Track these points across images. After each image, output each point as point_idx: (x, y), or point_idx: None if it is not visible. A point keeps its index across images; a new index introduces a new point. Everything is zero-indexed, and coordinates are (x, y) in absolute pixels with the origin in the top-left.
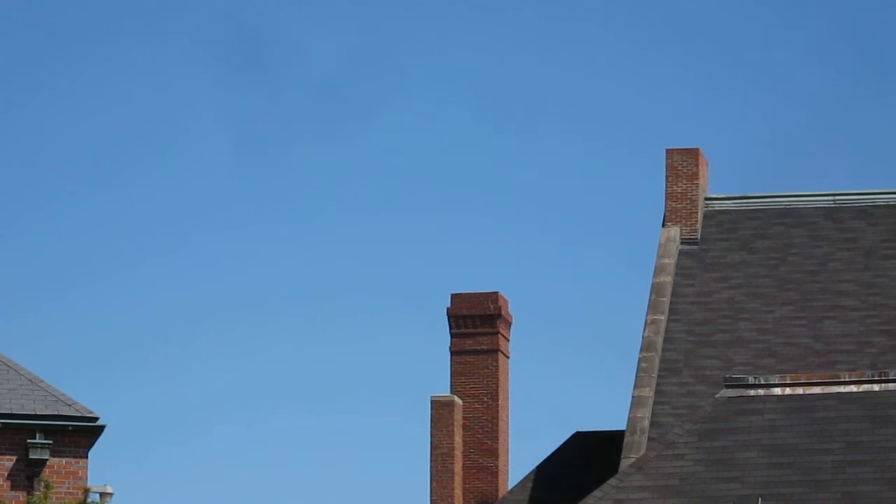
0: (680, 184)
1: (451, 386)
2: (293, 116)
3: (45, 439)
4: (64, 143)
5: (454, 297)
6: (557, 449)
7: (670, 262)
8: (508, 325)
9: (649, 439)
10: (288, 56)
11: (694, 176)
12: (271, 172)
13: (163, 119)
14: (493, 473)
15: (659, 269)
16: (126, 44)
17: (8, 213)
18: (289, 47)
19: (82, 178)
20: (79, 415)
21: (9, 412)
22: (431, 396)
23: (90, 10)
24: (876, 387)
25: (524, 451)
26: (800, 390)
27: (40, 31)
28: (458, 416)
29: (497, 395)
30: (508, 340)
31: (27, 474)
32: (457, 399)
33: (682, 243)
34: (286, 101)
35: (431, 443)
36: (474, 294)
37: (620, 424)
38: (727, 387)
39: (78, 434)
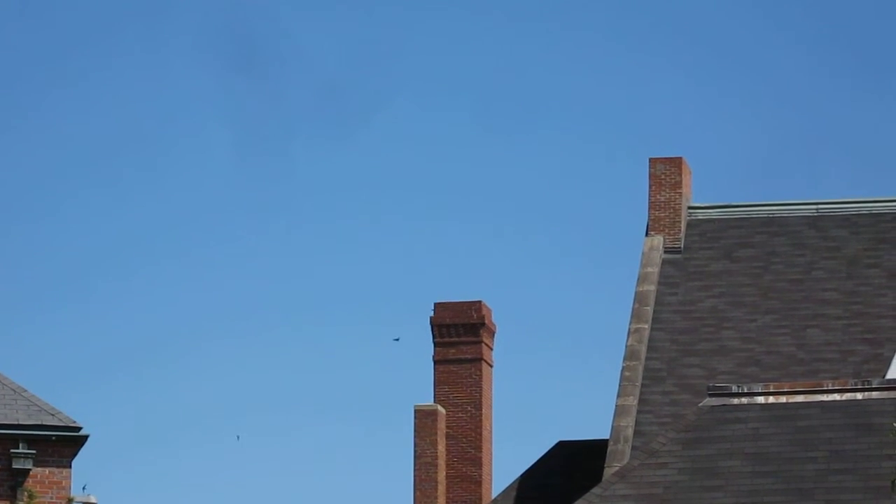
0: (663, 193)
1: (435, 395)
2: (293, 118)
3: (29, 449)
4: (61, 146)
5: (437, 305)
6: (541, 458)
7: (653, 270)
8: (492, 334)
9: (633, 448)
10: (289, 57)
11: (677, 185)
12: (270, 175)
13: (163, 121)
14: (477, 482)
15: (642, 278)
16: (127, 45)
17: None
18: (289, 49)
19: (77, 182)
20: (62, 424)
21: None
22: (414, 405)
23: (90, 12)
24: (859, 395)
25: (508, 461)
26: (783, 399)
27: (40, 33)
28: (442, 425)
29: (480, 404)
30: (492, 349)
31: (10, 484)
32: (440, 408)
33: (665, 252)
34: (287, 103)
35: (415, 452)
36: (457, 303)
37: (604, 433)
38: (711, 395)
39: (61, 444)
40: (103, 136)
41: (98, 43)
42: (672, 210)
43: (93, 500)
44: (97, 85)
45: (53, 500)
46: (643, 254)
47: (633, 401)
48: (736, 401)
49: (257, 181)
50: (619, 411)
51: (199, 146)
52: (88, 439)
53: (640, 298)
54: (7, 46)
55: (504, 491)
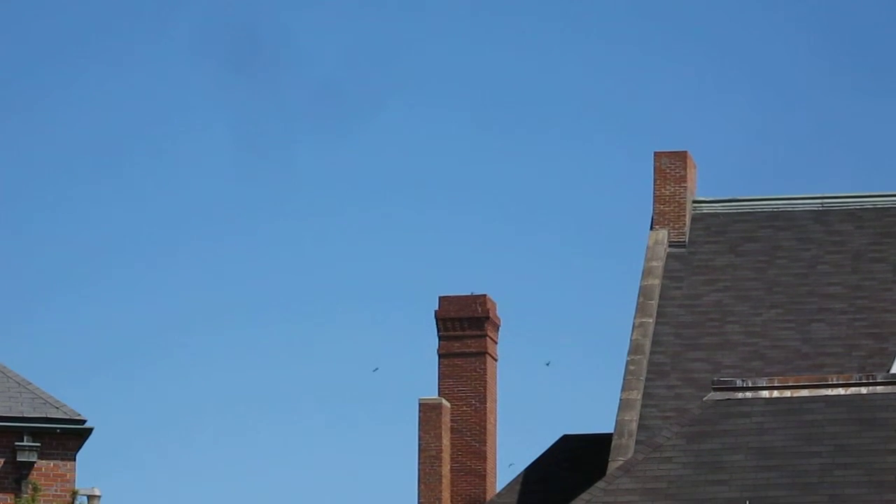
0: (668, 186)
1: (439, 388)
2: (293, 117)
3: (33, 442)
4: (61, 143)
5: (442, 299)
6: (545, 452)
7: (658, 264)
8: (496, 327)
9: (637, 442)
10: (288, 56)
11: (682, 179)
12: (271, 173)
13: (163, 119)
14: (481, 476)
15: (647, 272)
16: (126, 44)
17: (1, 213)
18: (289, 48)
19: (78, 178)
20: (67, 417)
21: None
22: (419, 399)
23: (90, 10)
24: (863, 389)
25: (512, 454)
26: (788, 393)
27: (40, 31)
28: (446, 418)
29: (485, 397)
30: (496, 343)
31: (15, 477)
32: (444, 402)
33: (670, 246)
34: (286, 102)
35: (419, 445)
36: (462, 297)
37: (608, 427)
38: (715, 389)
39: (66, 436)
40: (104, 134)
41: (98, 42)
42: (677, 204)
43: (97, 493)
44: (97, 83)
45: (58, 493)
46: (648, 248)
47: (637, 395)
48: (740, 395)
49: (257, 179)
50: (624, 405)
51: (199, 145)
52: (93, 432)
53: (644, 292)
54: (6, 45)
55: (508, 484)
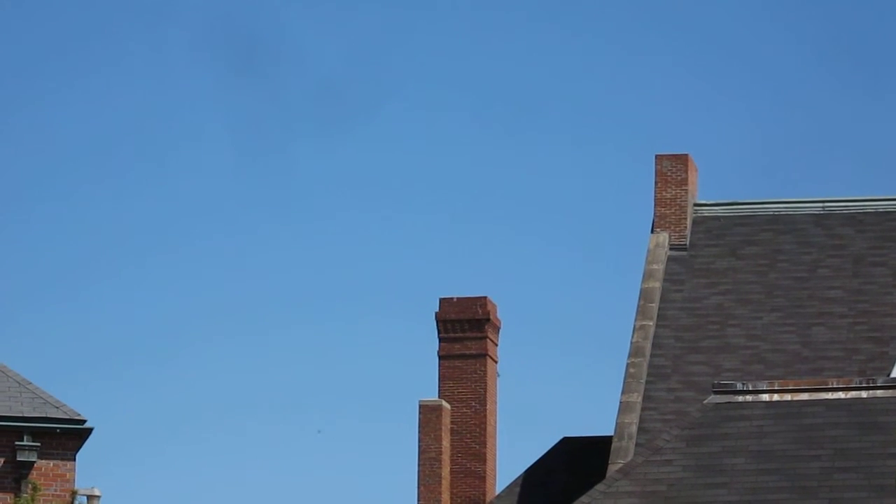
0: (669, 189)
1: (439, 390)
2: (293, 117)
3: (33, 441)
4: (62, 143)
5: (443, 301)
6: (545, 454)
7: (659, 267)
8: (497, 329)
9: (637, 445)
10: (288, 57)
11: (683, 182)
12: (271, 173)
13: (162, 120)
14: (481, 478)
15: (647, 275)
16: (126, 44)
17: (1, 213)
18: (289, 48)
19: (78, 178)
20: (67, 417)
21: None
22: (419, 401)
23: (90, 11)
24: (864, 393)
25: (512, 456)
26: (788, 397)
27: (40, 32)
28: (446, 420)
29: (485, 399)
30: (497, 345)
31: (14, 476)
32: (445, 403)
33: (670, 249)
34: (286, 102)
35: (419, 447)
36: (463, 298)
37: (608, 430)
38: (715, 393)
39: (66, 436)
40: (104, 134)
41: (97, 42)
42: (678, 207)
43: (97, 493)
44: (97, 84)
45: (57, 493)
46: (649, 250)
47: (637, 398)
48: (741, 398)
49: (257, 180)
50: (624, 408)
51: (199, 145)
52: (93, 432)
53: (645, 295)
54: (6, 45)
55: (508, 487)
